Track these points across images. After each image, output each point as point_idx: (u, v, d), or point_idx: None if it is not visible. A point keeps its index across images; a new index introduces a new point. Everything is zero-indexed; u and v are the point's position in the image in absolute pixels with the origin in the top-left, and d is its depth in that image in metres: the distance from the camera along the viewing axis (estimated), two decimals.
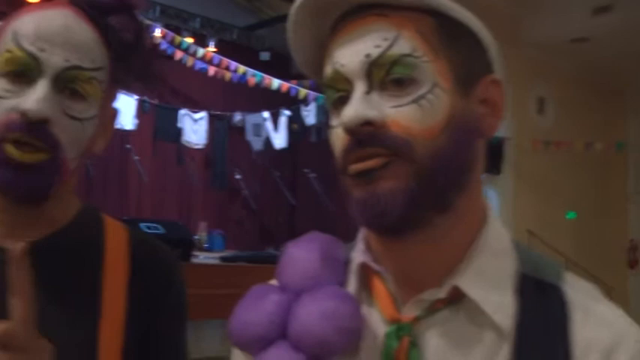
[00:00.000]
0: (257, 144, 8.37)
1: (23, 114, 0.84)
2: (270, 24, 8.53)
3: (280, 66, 8.50)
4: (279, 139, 8.29)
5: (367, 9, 0.73)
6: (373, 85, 0.72)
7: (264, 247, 7.77)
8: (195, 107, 7.93)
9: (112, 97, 0.99)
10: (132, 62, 0.96)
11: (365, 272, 0.79)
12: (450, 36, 0.73)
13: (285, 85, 7.47)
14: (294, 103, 7.98)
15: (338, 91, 0.74)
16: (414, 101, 0.70)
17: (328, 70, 0.75)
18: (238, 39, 8.40)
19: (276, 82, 7.40)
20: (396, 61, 0.71)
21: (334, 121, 0.76)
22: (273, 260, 5.32)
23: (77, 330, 0.91)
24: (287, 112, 8.27)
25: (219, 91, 8.18)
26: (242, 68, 7.31)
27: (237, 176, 7.96)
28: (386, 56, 0.71)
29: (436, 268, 0.75)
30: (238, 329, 0.77)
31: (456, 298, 0.74)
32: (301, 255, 0.78)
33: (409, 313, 0.75)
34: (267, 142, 8.31)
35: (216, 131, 8.30)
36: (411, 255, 0.75)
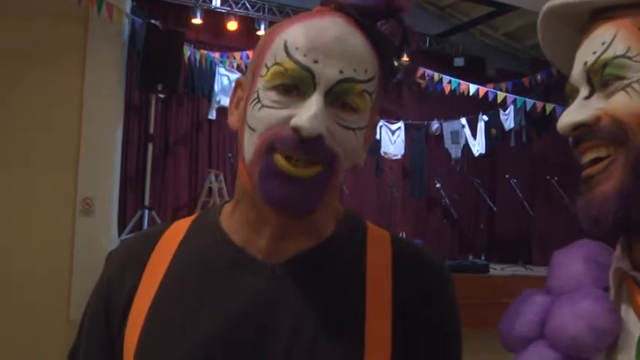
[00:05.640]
0: (455, 151, 8.29)
1: (296, 131, 0.79)
2: (463, 29, 8.42)
3: (475, 70, 8.36)
4: (478, 146, 8.14)
5: (602, 12, 0.76)
6: (595, 89, 0.74)
7: (465, 256, 7.64)
8: (392, 118, 8.02)
9: (378, 107, 0.93)
10: (399, 69, 0.92)
11: (623, 276, 0.78)
12: None
13: (482, 90, 7.31)
14: (491, 107, 7.80)
15: (573, 99, 0.78)
16: (623, 89, 0.71)
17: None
18: (431, 47, 8.38)
19: (472, 87, 7.27)
20: (607, 64, 0.72)
21: None
22: (476, 269, 5.18)
23: (341, 347, 0.85)
24: (485, 118, 8.10)
25: (415, 100, 8.21)
26: (437, 76, 7.27)
27: (437, 185, 7.92)
28: (599, 61, 0.73)
29: None
30: (505, 330, 0.82)
31: None
32: (565, 260, 0.82)
33: None
34: (466, 149, 8.20)
35: (414, 141, 8.33)
36: None
